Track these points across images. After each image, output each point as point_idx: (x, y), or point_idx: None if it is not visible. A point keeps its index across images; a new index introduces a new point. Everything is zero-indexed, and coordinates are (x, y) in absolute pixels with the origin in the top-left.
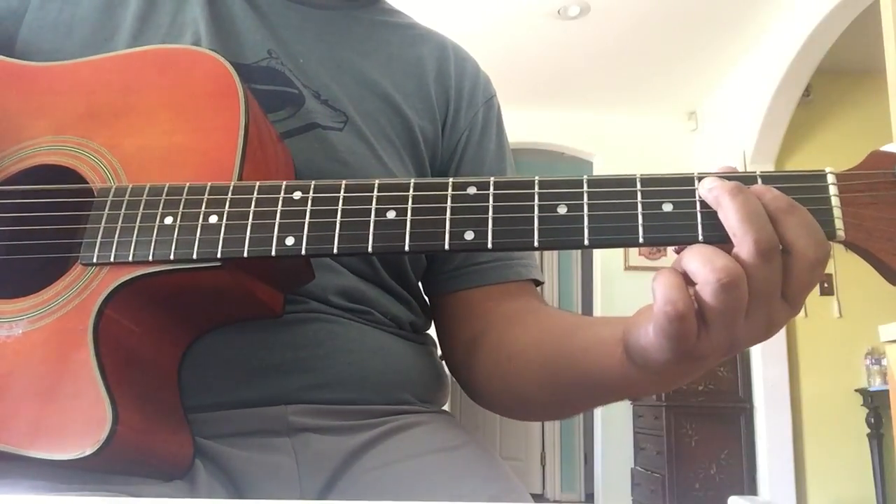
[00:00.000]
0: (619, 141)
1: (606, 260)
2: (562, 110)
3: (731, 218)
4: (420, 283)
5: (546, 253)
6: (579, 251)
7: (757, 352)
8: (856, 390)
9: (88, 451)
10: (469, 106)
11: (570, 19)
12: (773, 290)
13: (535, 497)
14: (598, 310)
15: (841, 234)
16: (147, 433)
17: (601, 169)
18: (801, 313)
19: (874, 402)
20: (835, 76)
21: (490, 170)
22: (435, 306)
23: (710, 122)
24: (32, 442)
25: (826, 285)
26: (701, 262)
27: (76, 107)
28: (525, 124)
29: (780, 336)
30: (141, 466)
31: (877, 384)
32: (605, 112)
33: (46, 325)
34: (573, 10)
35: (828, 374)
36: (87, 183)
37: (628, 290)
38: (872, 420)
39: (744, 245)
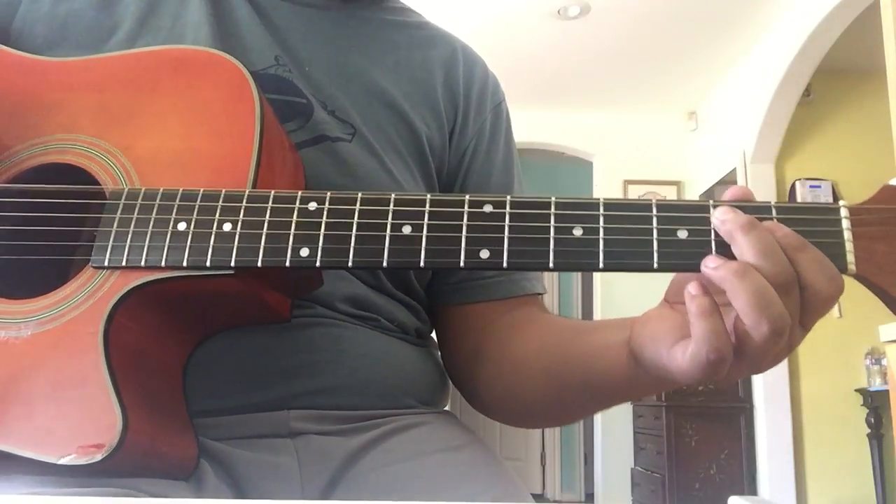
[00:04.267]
0: (619, 141)
1: None
2: (562, 110)
3: (746, 255)
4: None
5: None
6: None
7: None
8: (856, 390)
9: (98, 457)
10: (477, 114)
11: (570, 19)
12: (793, 321)
13: (535, 497)
14: (597, 311)
15: (852, 267)
16: (155, 437)
17: (601, 168)
18: None
19: (874, 402)
20: (835, 76)
21: (497, 181)
22: (437, 316)
23: (710, 122)
24: (40, 445)
25: None
26: (754, 305)
27: (88, 105)
28: (525, 124)
29: None
30: (146, 469)
31: (877, 384)
32: (605, 112)
33: (56, 328)
34: (573, 10)
35: (828, 374)
36: (99, 184)
37: (628, 292)
38: (872, 420)
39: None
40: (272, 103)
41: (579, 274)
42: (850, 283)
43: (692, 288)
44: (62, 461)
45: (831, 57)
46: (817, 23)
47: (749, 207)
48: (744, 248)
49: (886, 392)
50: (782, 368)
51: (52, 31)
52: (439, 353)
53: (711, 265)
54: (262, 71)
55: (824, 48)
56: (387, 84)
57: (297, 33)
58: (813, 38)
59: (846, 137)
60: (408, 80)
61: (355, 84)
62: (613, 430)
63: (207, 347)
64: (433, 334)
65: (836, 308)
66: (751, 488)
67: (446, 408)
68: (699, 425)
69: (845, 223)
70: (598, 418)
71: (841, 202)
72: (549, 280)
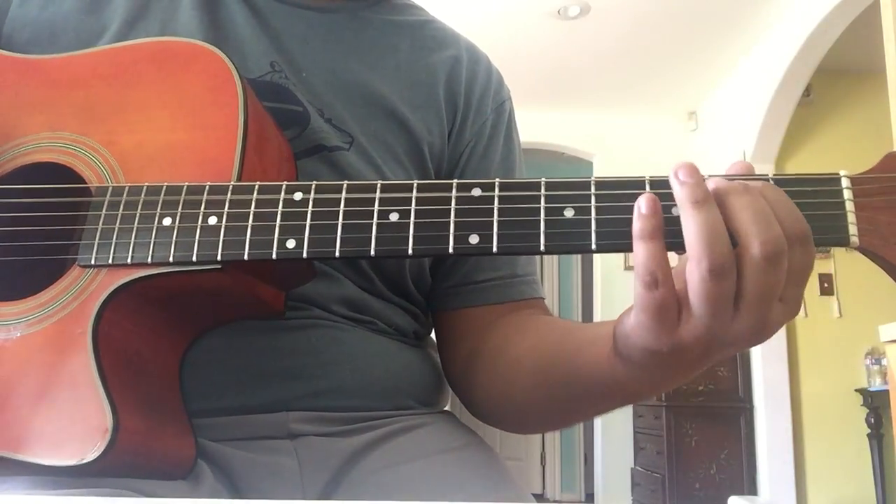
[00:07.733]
0: (619, 141)
1: (606, 260)
2: (562, 110)
3: (736, 218)
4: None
5: None
6: None
7: (757, 352)
8: (856, 390)
9: (89, 458)
10: (477, 115)
11: (570, 19)
12: (773, 293)
13: (536, 497)
14: (597, 309)
15: (855, 240)
16: (148, 436)
17: (601, 169)
18: (802, 313)
19: (874, 402)
20: (835, 76)
21: None
22: (435, 320)
23: (710, 122)
24: (31, 447)
25: (826, 285)
26: (698, 241)
27: (72, 102)
28: (525, 124)
29: (780, 336)
30: (142, 469)
31: (877, 384)
32: (605, 112)
33: (45, 329)
34: (573, 10)
35: (828, 374)
36: (84, 181)
37: (628, 290)
38: (872, 420)
39: (750, 247)
40: (268, 111)
41: (579, 274)
42: (851, 283)
43: (643, 205)
44: (53, 463)
45: (831, 57)
46: (817, 23)
47: (746, 179)
48: (734, 210)
49: (886, 392)
50: (782, 368)
51: (40, 34)
52: (437, 355)
53: (711, 186)
54: (258, 78)
55: (824, 48)
56: (386, 90)
57: (295, 38)
58: (813, 38)
59: (846, 137)
60: (408, 83)
61: (353, 91)
62: (613, 430)
63: (204, 347)
64: (432, 335)
65: (835, 308)
66: (751, 488)
67: (446, 408)
68: (699, 425)
69: (847, 193)
70: (599, 418)
71: (842, 172)
72: (549, 281)
